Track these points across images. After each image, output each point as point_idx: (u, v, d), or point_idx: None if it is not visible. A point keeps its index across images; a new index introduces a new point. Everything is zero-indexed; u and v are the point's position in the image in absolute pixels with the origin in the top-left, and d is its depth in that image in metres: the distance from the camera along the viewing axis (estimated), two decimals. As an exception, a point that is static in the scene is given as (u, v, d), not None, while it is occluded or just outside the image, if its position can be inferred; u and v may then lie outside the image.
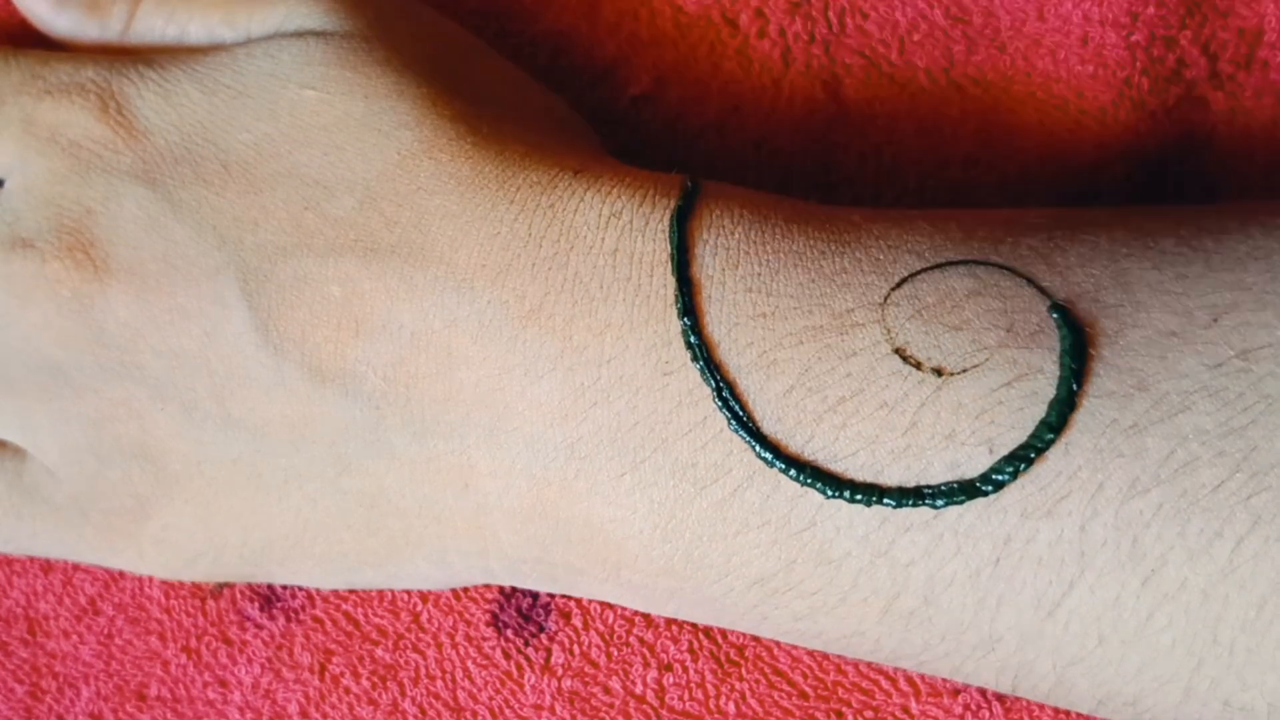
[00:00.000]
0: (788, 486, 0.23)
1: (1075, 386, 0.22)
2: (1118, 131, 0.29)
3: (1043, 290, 0.23)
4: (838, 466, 0.23)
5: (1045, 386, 0.22)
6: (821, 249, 0.24)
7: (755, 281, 0.24)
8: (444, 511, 0.26)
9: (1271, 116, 0.29)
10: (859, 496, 0.22)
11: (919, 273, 0.24)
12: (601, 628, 0.28)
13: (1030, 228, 0.25)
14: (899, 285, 0.23)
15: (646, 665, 0.28)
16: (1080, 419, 0.22)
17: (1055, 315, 0.23)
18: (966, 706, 0.27)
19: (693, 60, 0.30)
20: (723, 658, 0.28)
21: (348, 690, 0.29)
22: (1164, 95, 0.29)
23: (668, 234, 0.24)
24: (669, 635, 0.28)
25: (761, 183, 0.30)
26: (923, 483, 0.22)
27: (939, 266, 0.24)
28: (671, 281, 0.24)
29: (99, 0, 0.29)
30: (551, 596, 0.29)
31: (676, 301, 0.24)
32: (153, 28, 0.29)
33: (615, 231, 0.24)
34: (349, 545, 0.27)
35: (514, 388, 0.24)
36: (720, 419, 0.23)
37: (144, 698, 0.30)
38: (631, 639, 0.28)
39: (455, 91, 0.27)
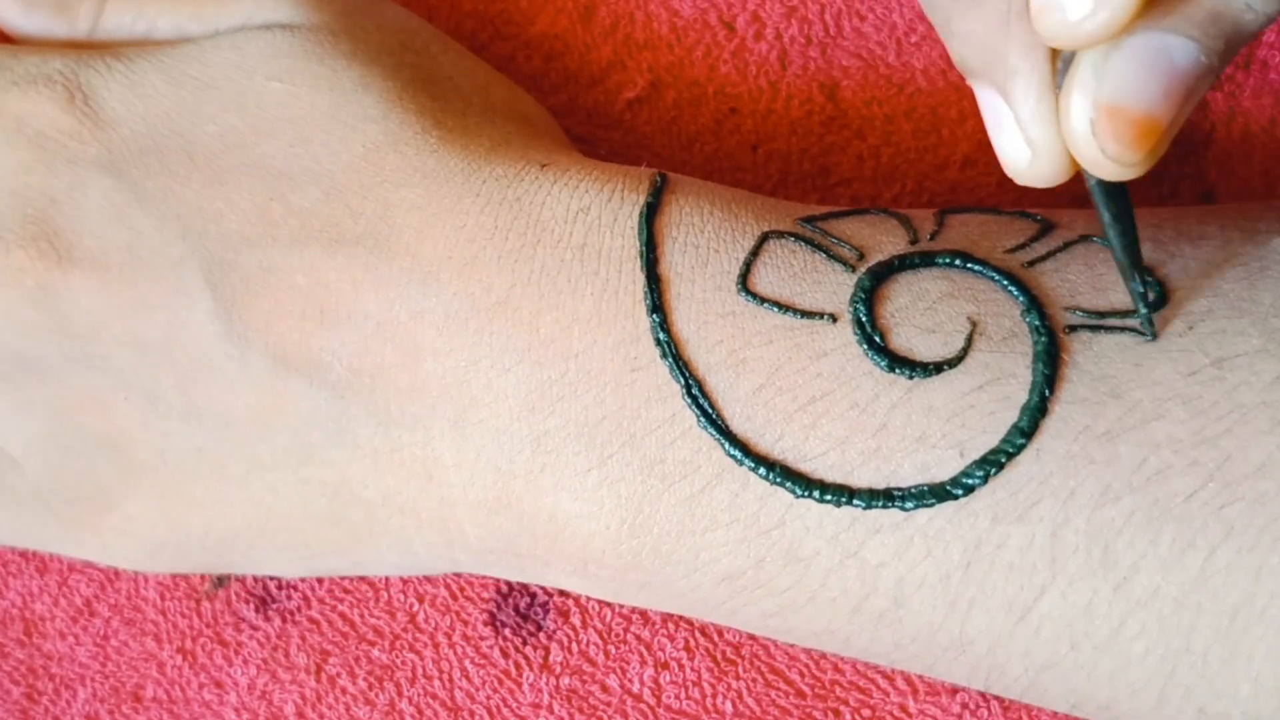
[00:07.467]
0: (757, 485, 0.23)
1: (1047, 392, 0.22)
2: (1114, 130, 0.29)
3: (1016, 294, 0.23)
4: (807, 466, 0.23)
5: (1018, 391, 0.22)
6: (791, 246, 0.24)
7: (724, 279, 0.24)
8: (407, 503, 0.26)
9: (1270, 117, 0.29)
10: (828, 496, 0.22)
11: (891, 272, 0.24)
12: (600, 625, 0.28)
13: (1007, 230, 0.24)
14: (871, 285, 0.23)
15: (644, 663, 0.28)
16: (1052, 425, 0.22)
17: (1027, 320, 0.23)
18: (964, 705, 0.26)
19: (689, 63, 0.31)
20: (719, 656, 0.28)
21: (344, 691, 0.29)
22: (1160, 93, 0.29)
23: (636, 230, 0.24)
24: (666, 633, 0.28)
25: (759, 185, 0.30)
26: (893, 485, 0.22)
27: (911, 267, 0.24)
28: (640, 277, 0.24)
29: (66, 0, 0.30)
30: (549, 595, 0.28)
31: (645, 298, 0.24)
32: (121, 25, 0.29)
33: (583, 227, 0.25)
34: (311, 535, 0.27)
35: (480, 380, 0.24)
36: (689, 415, 0.23)
37: (140, 699, 0.30)
38: (629, 637, 0.28)
39: (421, 85, 0.27)
